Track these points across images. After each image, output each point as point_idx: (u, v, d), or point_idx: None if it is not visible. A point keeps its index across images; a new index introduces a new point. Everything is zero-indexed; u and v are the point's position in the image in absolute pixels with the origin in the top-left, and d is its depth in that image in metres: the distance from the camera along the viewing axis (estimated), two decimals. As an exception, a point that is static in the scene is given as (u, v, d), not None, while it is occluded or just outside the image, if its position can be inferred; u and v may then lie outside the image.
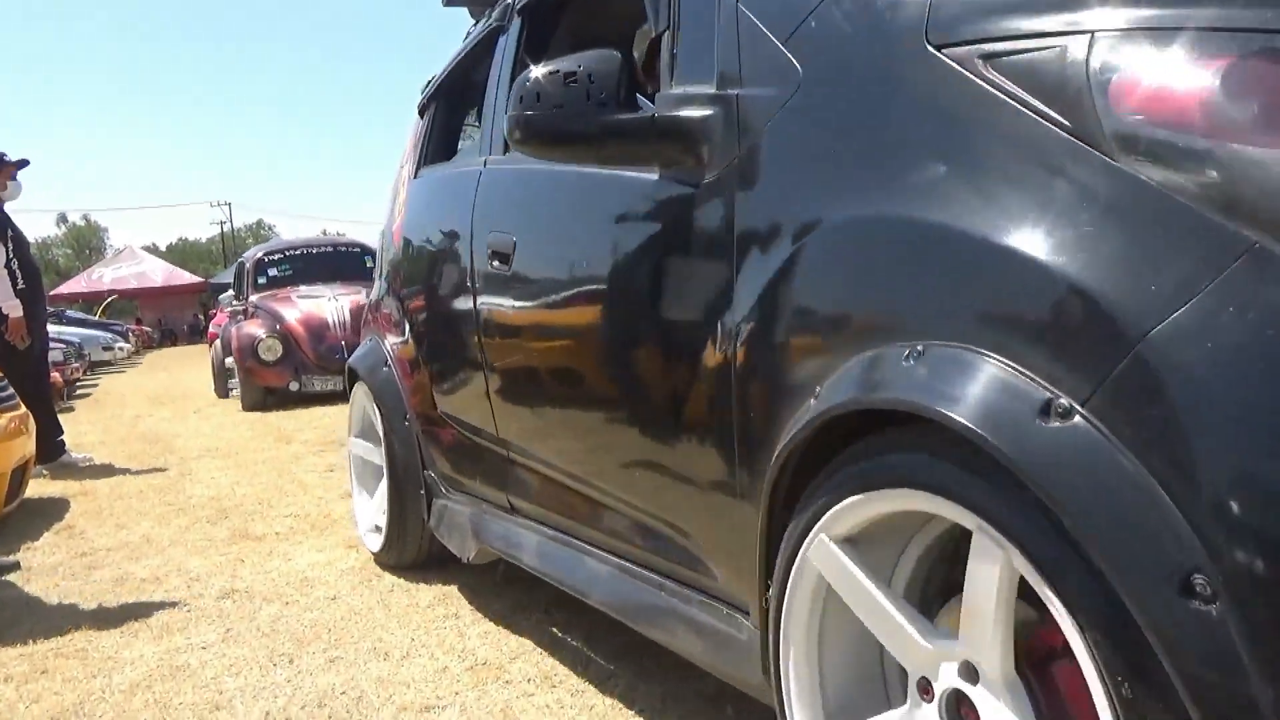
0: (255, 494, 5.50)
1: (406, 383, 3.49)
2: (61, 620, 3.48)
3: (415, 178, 3.61)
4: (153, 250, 58.53)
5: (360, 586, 3.60)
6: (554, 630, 2.99)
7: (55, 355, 13.37)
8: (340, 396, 9.57)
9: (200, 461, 6.91)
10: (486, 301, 2.74)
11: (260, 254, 12.09)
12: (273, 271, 11.67)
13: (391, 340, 3.62)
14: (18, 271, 6.38)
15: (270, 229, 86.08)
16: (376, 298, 3.92)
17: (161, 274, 43.72)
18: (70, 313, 27.12)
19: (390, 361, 3.60)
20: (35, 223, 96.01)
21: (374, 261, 11.73)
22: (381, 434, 3.59)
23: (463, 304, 2.90)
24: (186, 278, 44.48)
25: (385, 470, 3.60)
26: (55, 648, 3.21)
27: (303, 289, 11.03)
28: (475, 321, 2.81)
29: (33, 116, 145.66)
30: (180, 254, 76.98)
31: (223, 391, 11.93)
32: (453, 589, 3.46)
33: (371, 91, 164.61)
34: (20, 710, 2.73)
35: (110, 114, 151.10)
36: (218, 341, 12.53)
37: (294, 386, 10.04)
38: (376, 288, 3.97)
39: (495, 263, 2.63)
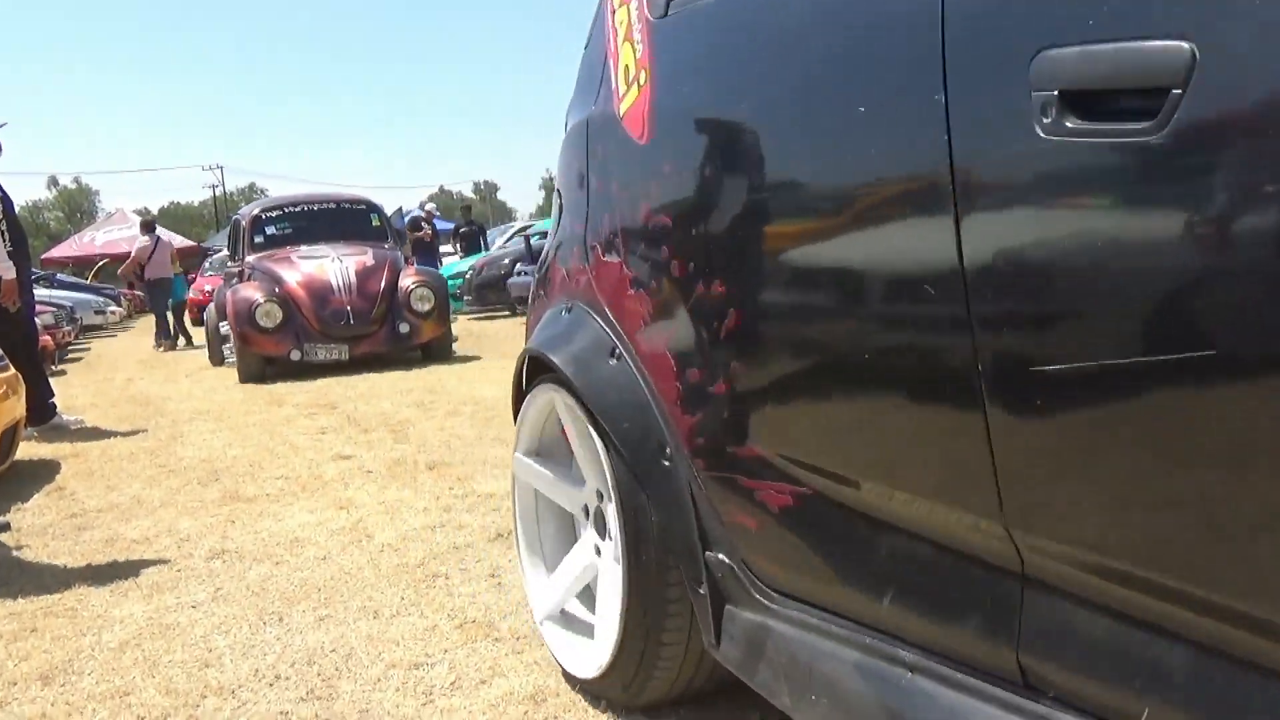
0: (246, 456, 5.50)
1: (667, 388, 1.92)
2: (51, 580, 3.49)
3: (664, 17, 1.96)
4: (144, 214, 58.17)
5: (350, 547, 3.61)
6: (543, 589, 2.99)
7: (47, 319, 13.32)
8: (345, 368, 9.25)
9: (191, 424, 6.91)
10: (1019, 227, 1.20)
11: (257, 211, 11.00)
12: (270, 230, 10.64)
13: (630, 311, 2.03)
14: (6, 233, 6.34)
15: (263, 192, 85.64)
16: (576, 237, 2.28)
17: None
18: (61, 276, 26.98)
19: (624, 349, 2.06)
20: (26, 185, 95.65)
21: (381, 220, 11.11)
22: (610, 479, 2.04)
23: (904, 238, 1.36)
24: (179, 242, 44.16)
25: (615, 543, 2.09)
26: (45, 606, 3.22)
27: (304, 249, 10.10)
28: (959, 275, 1.25)
29: (24, 78, 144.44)
30: (173, 217, 76.67)
31: (217, 359, 11.11)
32: (442, 549, 3.47)
33: (365, 55, 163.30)
34: (9, 668, 2.74)
35: (102, 76, 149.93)
36: (211, 306, 11.63)
37: (295, 356, 9.18)
38: (575, 219, 2.30)
39: (1068, 119, 1.10)
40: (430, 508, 4.01)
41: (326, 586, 3.20)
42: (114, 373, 12.01)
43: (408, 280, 9.67)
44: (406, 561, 3.37)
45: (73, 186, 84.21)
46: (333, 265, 9.64)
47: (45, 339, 12.10)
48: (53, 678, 2.65)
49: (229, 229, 12.08)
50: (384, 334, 9.41)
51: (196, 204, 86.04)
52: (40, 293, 18.75)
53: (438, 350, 9.71)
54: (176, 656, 2.73)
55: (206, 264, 24.77)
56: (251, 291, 9.40)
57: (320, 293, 9.39)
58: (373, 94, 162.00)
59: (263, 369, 9.29)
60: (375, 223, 10.97)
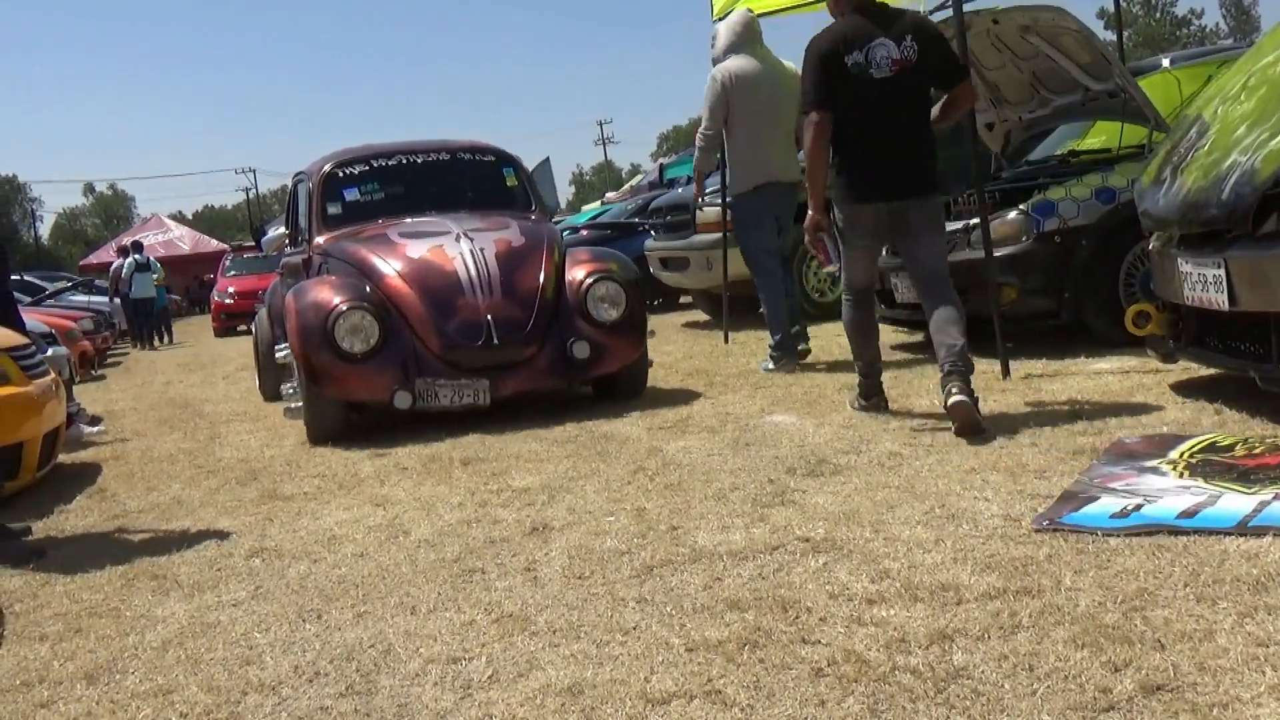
0: (284, 455, 5.54)
1: None
2: (95, 581, 3.54)
3: None
4: (179, 219, 58.95)
5: (387, 543, 3.63)
6: (579, 581, 3.00)
7: (86, 325, 13.53)
8: (482, 417, 5.52)
9: (229, 425, 6.97)
10: None
11: (330, 166, 6.88)
12: (353, 194, 6.75)
13: None
14: None
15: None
16: None
17: (189, 242, 44.02)
18: (99, 282, 27.25)
19: None
20: (63, 193, 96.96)
21: (519, 177, 6.97)
22: None
23: None
24: (214, 245, 44.70)
25: None
26: (89, 607, 3.27)
27: (408, 222, 6.34)
28: None
29: (57, 86, 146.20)
30: (207, 222, 77.45)
31: (271, 392, 7.41)
32: (478, 544, 3.48)
33: (392, 55, 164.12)
34: (55, 668, 2.78)
35: (135, 82, 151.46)
36: (262, 313, 7.90)
37: (403, 401, 5.46)
38: None
39: None
40: (466, 503, 4.02)
41: (364, 583, 3.22)
42: (152, 376, 12.16)
43: (580, 270, 5.94)
44: (443, 557, 3.39)
45: (109, 193, 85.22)
46: (458, 247, 5.92)
47: (85, 344, 12.32)
48: (98, 677, 2.69)
49: (288, 197, 8.04)
50: (546, 360, 5.69)
51: (230, 207, 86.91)
52: (79, 299, 19.12)
53: (629, 384, 5.99)
54: (218, 654, 2.76)
55: (227, 261, 23.90)
56: (327, 293, 5.73)
57: (442, 293, 5.70)
58: (400, 93, 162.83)
59: (346, 419, 5.81)
60: (510, 181, 7.10)
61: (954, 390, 4.19)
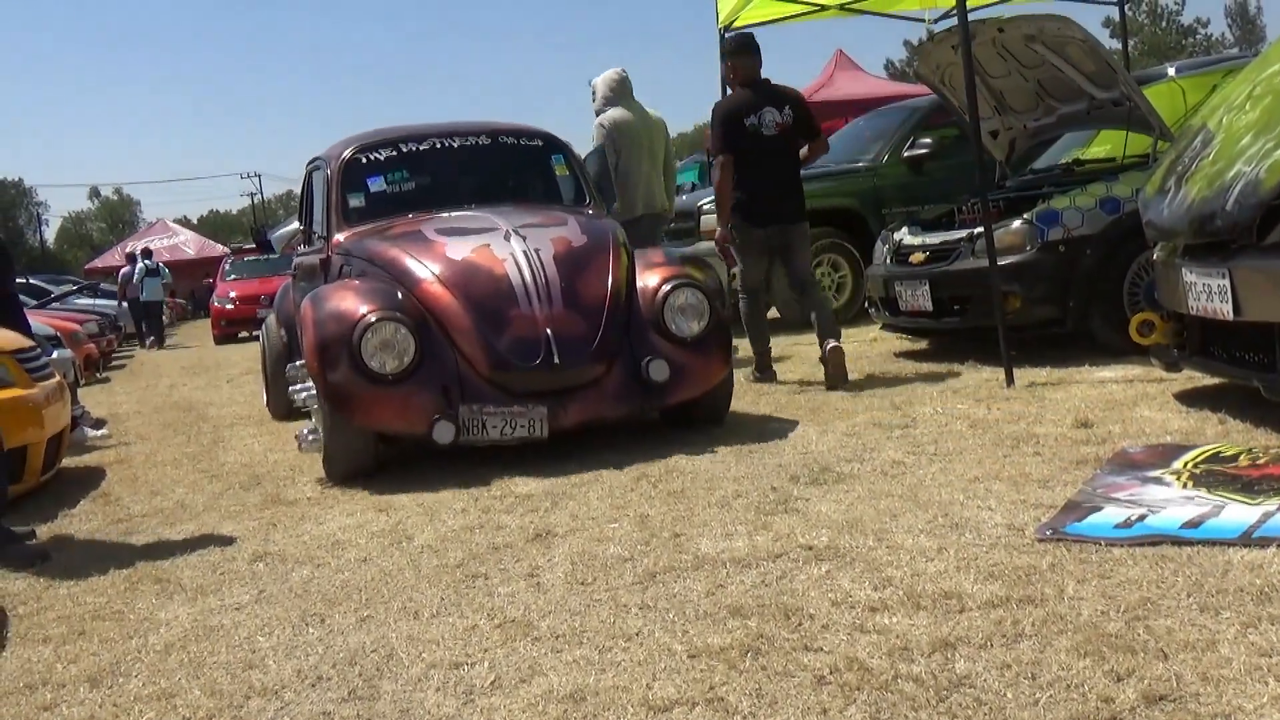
0: (288, 460, 5.55)
1: None
2: (98, 584, 3.55)
3: None
4: (184, 223, 59.06)
5: (390, 548, 3.63)
6: (581, 587, 3.01)
7: (91, 328, 13.55)
8: (548, 451, 4.66)
9: (233, 429, 6.98)
10: None
11: (351, 152, 5.88)
12: (379, 184, 5.81)
13: None
14: None
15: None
16: None
17: (194, 246, 44.13)
18: (105, 286, 27.30)
19: None
20: (69, 197, 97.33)
21: (571, 165, 6.15)
22: None
23: None
24: (219, 250, 44.81)
25: None
26: (92, 610, 3.27)
27: (446, 217, 5.40)
28: None
29: (63, 91, 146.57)
30: (212, 226, 77.54)
31: (281, 410, 6.57)
32: (481, 550, 3.48)
33: (397, 58, 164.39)
34: (59, 670, 2.79)
35: (140, 87, 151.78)
36: (270, 319, 7.00)
37: (445, 434, 4.49)
38: None
39: None
40: (469, 509, 4.03)
41: (367, 588, 3.23)
42: (157, 380, 12.18)
43: (655, 275, 5.02)
44: (446, 562, 3.39)
45: (114, 198, 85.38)
46: (508, 247, 4.96)
47: (90, 347, 12.34)
48: (101, 680, 2.70)
49: (301, 186, 6.83)
50: (616, 383, 4.75)
51: (235, 212, 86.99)
52: (84, 302, 19.17)
53: (710, 410, 5.09)
54: (221, 658, 2.77)
55: (227, 265, 22.73)
56: (351, 300, 4.77)
57: (491, 302, 4.75)
58: (401, 95, 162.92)
59: (375, 454, 4.82)
60: (560, 170, 6.20)
61: (831, 342, 5.81)
